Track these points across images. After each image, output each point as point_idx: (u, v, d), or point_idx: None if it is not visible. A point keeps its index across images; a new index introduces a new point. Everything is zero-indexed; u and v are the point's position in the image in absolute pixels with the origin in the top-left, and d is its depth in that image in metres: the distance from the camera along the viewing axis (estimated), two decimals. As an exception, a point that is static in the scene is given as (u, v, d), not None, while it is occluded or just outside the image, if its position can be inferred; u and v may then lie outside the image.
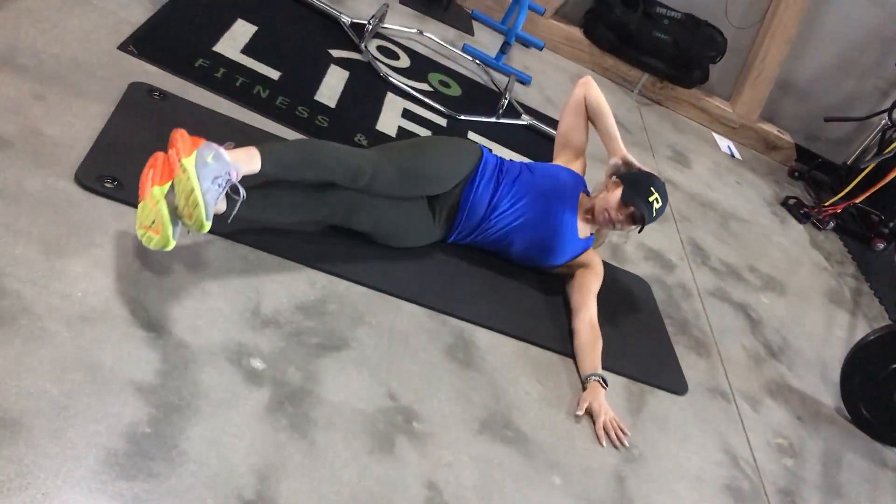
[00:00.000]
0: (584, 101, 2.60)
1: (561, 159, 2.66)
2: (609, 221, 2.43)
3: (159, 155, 1.86)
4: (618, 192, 2.42)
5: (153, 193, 1.77)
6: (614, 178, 2.51)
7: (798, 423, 2.75)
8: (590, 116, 2.61)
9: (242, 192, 1.83)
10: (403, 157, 2.22)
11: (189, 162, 1.76)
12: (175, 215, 1.75)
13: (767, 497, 2.33)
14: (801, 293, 3.70)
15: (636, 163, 2.51)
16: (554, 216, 2.43)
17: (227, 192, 1.81)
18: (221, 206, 1.85)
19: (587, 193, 2.57)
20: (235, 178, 1.83)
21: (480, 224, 2.39)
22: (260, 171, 1.91)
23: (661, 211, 2.43)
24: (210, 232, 2.00)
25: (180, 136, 1.86)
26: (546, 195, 2.42)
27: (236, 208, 1.85)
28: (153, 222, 1.73)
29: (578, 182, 2.55)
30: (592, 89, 2.60)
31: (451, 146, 2.39)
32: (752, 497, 2.29)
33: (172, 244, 1.73)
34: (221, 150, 1.83)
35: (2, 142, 1.91)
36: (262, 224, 2.07)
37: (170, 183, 1.80)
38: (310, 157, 2.02)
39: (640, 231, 2.46)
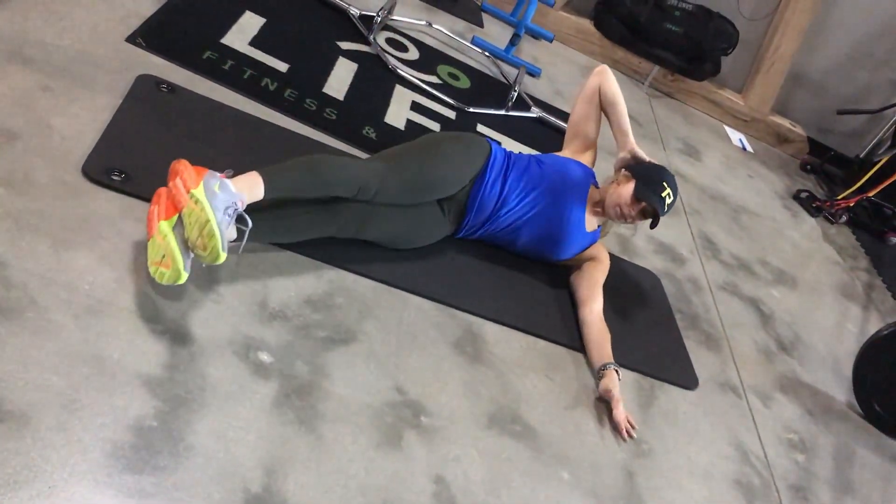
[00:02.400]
0: (598, 91, 2.57)
1: (570, 149, 2.64)
2: (621, 216, 2.41)
3: (162, 191, 1.80)
4: (629, 187, 2.39)
5: (160, 228, 1.72)
6: (624, 171, 2.48)
7: (809, 419, 2.73)
8: (603, 108, 2.58)
9: (249, 221, 1.80)
10: (409, 165, 2.16)
11: (199, 192, 1.71)
12: (186, 248, 1.71)
13: (778, 493, 2.31)
14: (812, 287, 3.67)
15: (646, 157, 2.48)
16: (562, 210, 2.41)
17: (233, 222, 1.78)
18: (231, 234, 1.81)
19: (596, 186, 2.54)
20: (241, 208, 1.79)
21: (489, 220, 2.38)
22: (263, 197, 1.87)
23: (672, 205, 2.41)
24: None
25: (184, 167, 1.79)
26: (555, 189, 2.40)
27: (245, 238, 1.81)
28: (163, 257, 1.69)
29: (588, 175, 2.53)
30: (608, 80, 2.56)
31: (459, 147, 2.32)
32: (762, 493, 2.27)
33: (185, 277, 1.69)
34: (225, 179, 1.79)
35: (9, 134, 1.91)
36: (273, 244, 2.05)
37: (176, 216, 1.75)
38: (312, 176, 1.97)
39: (652, 227, 2.42)
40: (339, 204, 2.06)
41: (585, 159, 2.60)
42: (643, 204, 2.37)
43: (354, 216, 2.09)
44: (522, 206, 2.38)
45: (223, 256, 1.70)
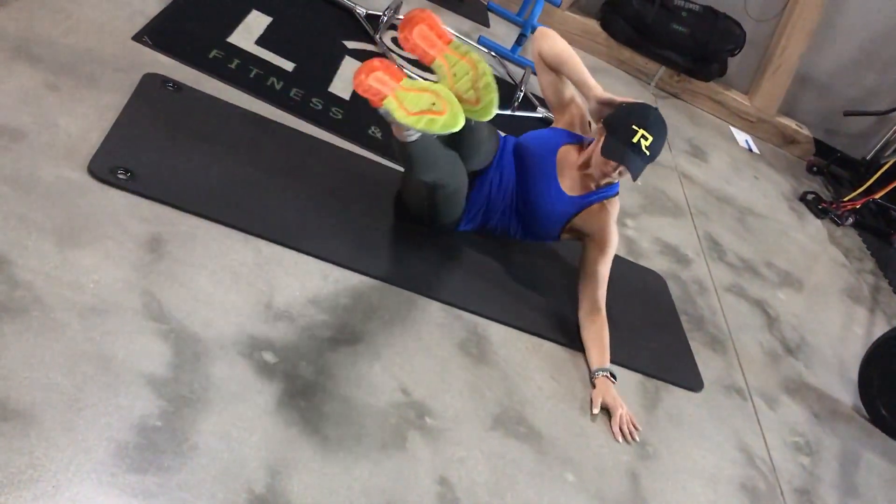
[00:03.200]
0: (540, 57, 2.41)
1: (556, 118, 2.54)
2: (604, 176, 2.27)
3: (379, 60, 1.74)
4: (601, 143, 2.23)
5: (411, 82, 1.64)
6: (601, 124, 2.28)
7: (815, 421, 2.72)
8: (554, 70, 2.40)
9: None
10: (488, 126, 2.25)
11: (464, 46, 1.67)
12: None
13: (783, 496, 2.30)
14: (818, 289, 3.66)
15: (617, 98, 2.27)
16: (530, 180, 2.35)
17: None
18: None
19: (582, 145, 2.39)
20: None
21: (485, 202, 2.37)
22: None
23: (654, 147, 2.19)
24: (229, 226, 2.00)
25: (434, 19, 1.76)
26: (520, 162, 2.37)
27: None
28: (433, 104, 1.61)
29: (556, 137, 2.41)
30: (546, 42, 2.37)
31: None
32: (767, 496, 2.26)
33: (462, 121, 1.61)
34: None
35: (16, 132, 1.91)
36: (414, 162, 2.04)
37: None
38: None
39: (634, 179, 2.23)
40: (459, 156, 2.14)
41: (564, 121, 2.47)
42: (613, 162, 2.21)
43: (462, 166, 2.17)
44: (507, 184, 2.36)
45: (494, 112, 1.65)
